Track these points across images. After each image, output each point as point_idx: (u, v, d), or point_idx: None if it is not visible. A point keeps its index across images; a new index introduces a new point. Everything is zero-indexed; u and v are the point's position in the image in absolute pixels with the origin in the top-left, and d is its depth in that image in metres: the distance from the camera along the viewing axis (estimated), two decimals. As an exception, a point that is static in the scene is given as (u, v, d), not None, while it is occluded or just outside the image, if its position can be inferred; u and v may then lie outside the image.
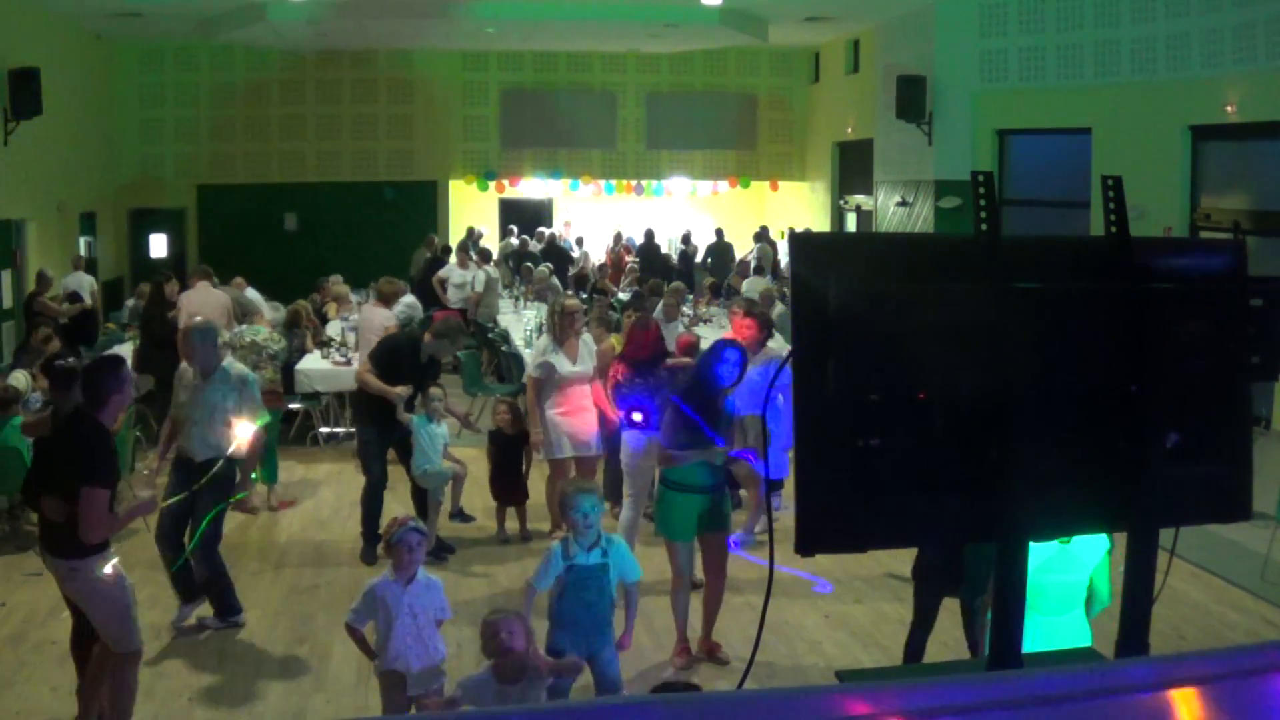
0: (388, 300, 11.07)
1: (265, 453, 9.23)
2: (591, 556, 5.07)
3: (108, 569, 4.95)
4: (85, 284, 14.82)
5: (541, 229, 21.32)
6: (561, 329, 7.89)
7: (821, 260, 1.96)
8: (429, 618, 4.90)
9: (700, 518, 6.16)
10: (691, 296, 15.20)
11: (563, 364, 7.84)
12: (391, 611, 4.82)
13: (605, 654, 5.14)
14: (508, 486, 8.45)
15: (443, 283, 15.62)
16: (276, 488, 9.23)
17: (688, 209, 23.06)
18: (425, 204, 21.30)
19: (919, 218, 16.77)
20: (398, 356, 7.94)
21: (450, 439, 7.97)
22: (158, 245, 20.56)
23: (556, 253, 19.40)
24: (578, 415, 7.89)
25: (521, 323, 13.60)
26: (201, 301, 10.68)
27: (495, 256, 18.31)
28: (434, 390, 7.99)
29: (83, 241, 17.79)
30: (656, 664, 6.19)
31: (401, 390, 7.75)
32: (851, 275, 1.93)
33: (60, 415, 5.21)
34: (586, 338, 8.22)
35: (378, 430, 7.94)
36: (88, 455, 4.87)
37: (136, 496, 5.36)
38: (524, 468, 8.59)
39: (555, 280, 16.34)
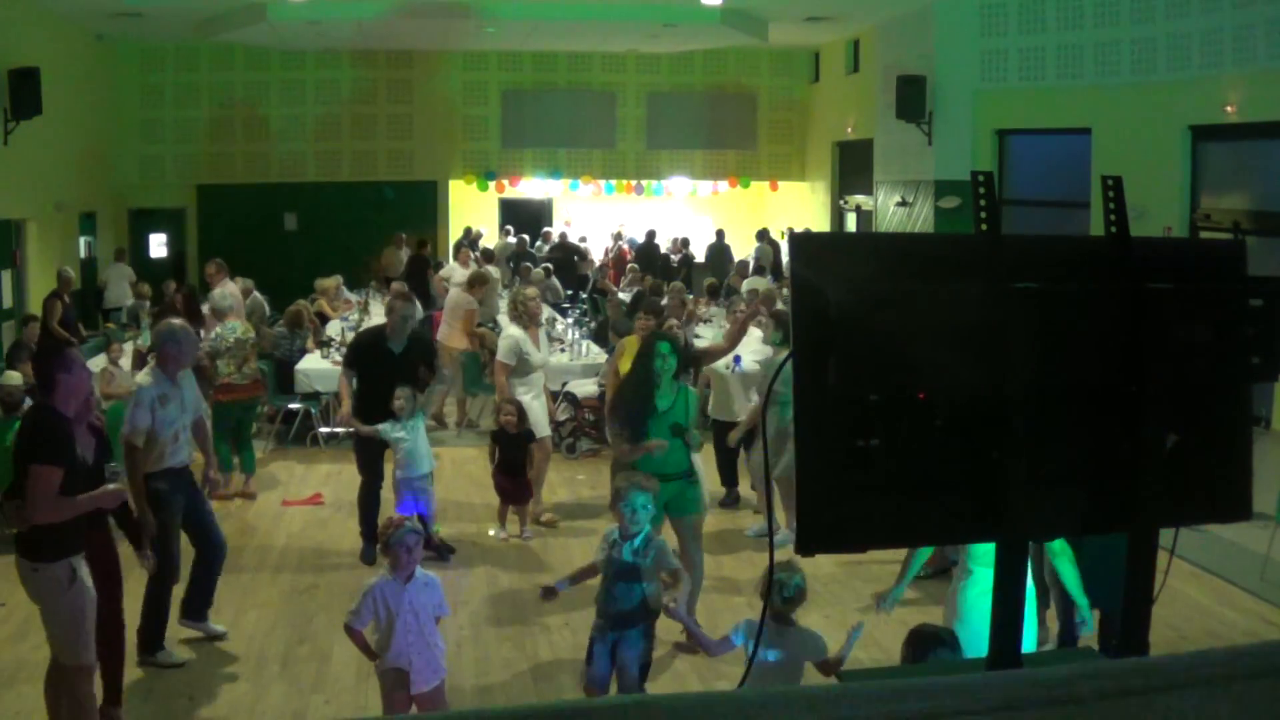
0: (476, 288, 12.04)
1: (242, 442, 9.29)
2: (630, 554, 5.14)
3: (65, 573, 4.79)
4: (125, 275, 15.97)
5: (548, 229, 21.28)
6: (529, 317, 8.55)
7: (821, 260, 1.96)
8: (429, 615, 4.93)
9: (666, 504, 6.13)
10: (691, 296, 15.18)
11: (534, 353, 8.52)
12: (392, 610, 4.84)
13: (625, 653, 5.15)
14: (511, 486, 8.45)
15: (444, 282, 15.60)
16: (252, 479, 9.35)
17: (687, 209, 23.04)
18: (425, 204, 21.30)
19: (919, 218, 16.76)
20: (366, 351, 7.91)
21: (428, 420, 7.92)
22: (158, 245, 20.58)
23: (569, 251, 19.29)
24: (539, 399, 8.65)
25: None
26: (238, 298, 11.01)
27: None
28: (400, 390, 7.57)
29: (83, 241, 17.80)
30: (656, 658, 6.17)
31: (372, 430, 7.59)
32: (851, 275, 1.92)
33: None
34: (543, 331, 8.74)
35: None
36: (33, 435, 4.80)
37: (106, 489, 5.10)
38: (529, 468, 8.58)
39: (555, 281, 16.32)
